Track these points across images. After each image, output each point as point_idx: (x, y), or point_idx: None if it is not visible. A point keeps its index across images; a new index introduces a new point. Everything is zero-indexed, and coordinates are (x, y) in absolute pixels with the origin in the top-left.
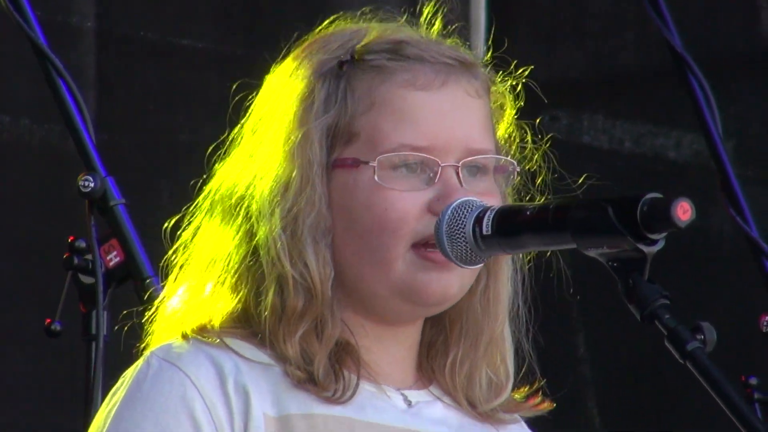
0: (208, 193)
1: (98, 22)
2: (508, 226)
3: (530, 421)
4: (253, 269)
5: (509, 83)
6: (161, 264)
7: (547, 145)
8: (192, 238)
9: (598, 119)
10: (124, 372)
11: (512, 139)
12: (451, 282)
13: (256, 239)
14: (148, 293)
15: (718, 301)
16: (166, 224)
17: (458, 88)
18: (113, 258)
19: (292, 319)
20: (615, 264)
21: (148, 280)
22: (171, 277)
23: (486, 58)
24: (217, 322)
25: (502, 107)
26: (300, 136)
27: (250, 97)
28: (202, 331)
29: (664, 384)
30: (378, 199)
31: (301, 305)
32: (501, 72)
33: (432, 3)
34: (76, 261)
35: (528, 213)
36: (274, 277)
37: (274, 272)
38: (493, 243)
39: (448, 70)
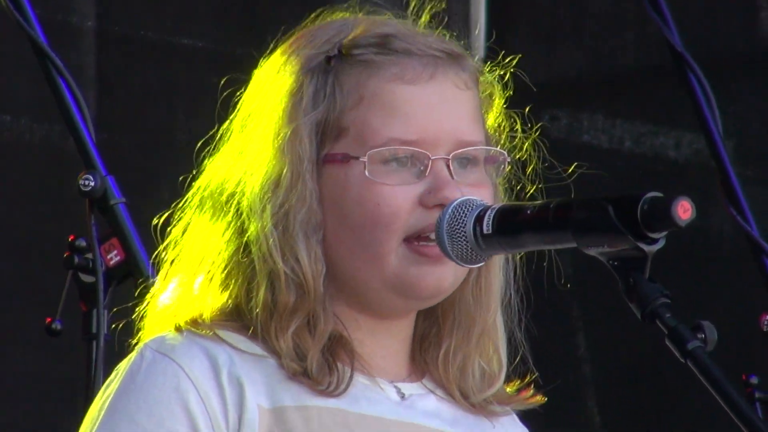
0: (198, 189)
1: (98, 21)
2: (508, 225)
3: (523, 416)
4: (243, 265)
5: (497, 73)
6: (152, 260)
7: (537, 133)
8: (182, 235)
9: (598, 119)
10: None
11: (502, 128)
12: (445, 275)
13: (247, 236)
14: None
15: (718, 300)
16: (155, 221)
17: (446, 81)
18: (113, 257)
19: (284, 315)
20: (615, 263)
21: (150, 280)
22: (161, 274)
23: (484, 65)
24: (208, 316)
25: (490, 97)
26: (289, 132)
27: (239, 92)
28: (195, 323)
29: (665, 383)
30: (369, 194)
31: (293, 301)
32: (489, 62)
33: None
34: (76, 260)
35: (528, 212)
36: (266, 273)
37: (265, 268)
38: (494, 242)
39: (436, 62)
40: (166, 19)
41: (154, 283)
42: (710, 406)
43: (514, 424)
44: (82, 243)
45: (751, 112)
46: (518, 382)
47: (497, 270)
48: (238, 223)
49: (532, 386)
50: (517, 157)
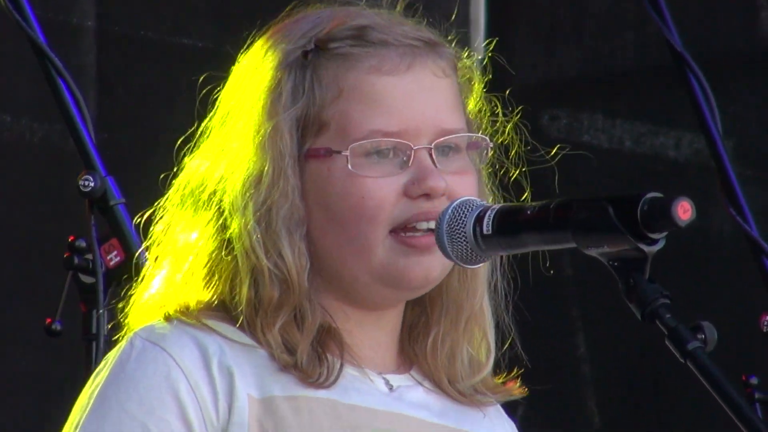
0: (179, 187)
1: (99, 21)
2: (508, 226)
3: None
4: (225, 262)
5: (476, 57)
6: (133, 261)
7: (518, 116)
8: (164, 233)
9: (597, 119)
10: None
11: (483, 113)
12: (433, 265)
13: (229, 232)
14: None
15: (718, 301)
16: (137, 219)
17: (424, 70)
18: (113, 257)
19: (269, 311)
20: (615, 263)
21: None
22: (143, 272)
23: (481, 61)
24: (195, 309)
25: (470, 81)
26: (270, 128)
27: (217, 90)
28: (185, 312)
29: (664, 383)
30: (353, 188)
31: (277, 296)
32: (468, 48)
33: None
34: (76, 261)
35: (528, 212)
36: (248, 269)
37: (248, 265)
38: (494, 242)
39: (413, 52)
40: (166, 19)
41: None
42: (710, 407)
43: (500, 415)
44: (82, 244)
45: (750, 112)
46: (505, 374)
47: None
48: (220, 220)
49: (518, 378)
50: (500, 141)
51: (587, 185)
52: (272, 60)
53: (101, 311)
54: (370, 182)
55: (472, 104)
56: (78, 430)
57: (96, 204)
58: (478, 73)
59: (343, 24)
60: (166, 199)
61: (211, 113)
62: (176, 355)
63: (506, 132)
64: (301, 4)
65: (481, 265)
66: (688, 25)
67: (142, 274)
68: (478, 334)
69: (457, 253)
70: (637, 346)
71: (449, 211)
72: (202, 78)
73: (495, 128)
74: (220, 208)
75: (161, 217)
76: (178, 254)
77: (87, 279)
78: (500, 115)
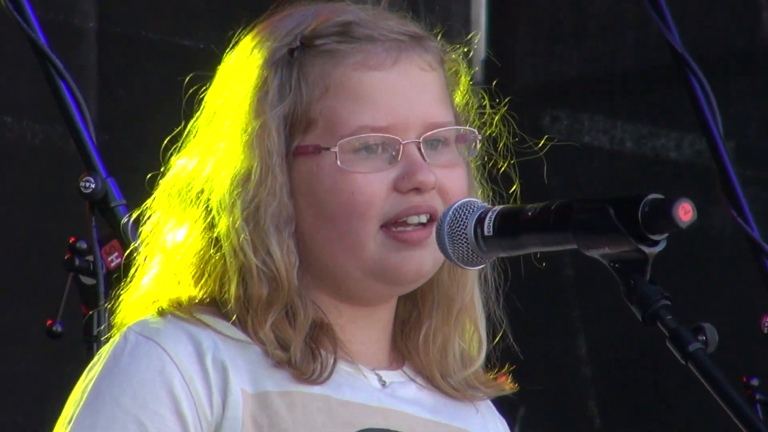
0: (166, 186)
1: (100, 22)
2: (509, 227)
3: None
4: (214, 260)
5: (461, 50)
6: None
7: (505, 108)
8: (152, 233)
9: (598, 120)
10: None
11: (470, 106)
12: (425, 259)
13: (217, 231)
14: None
15: (719, 302)
16: (124, 219)
17: (411, 64)
18: (114, 259)
19: (259, 309)
20: (616, 265)
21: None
22: (131, 272)
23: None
24: (187, 305)
25: (456, 74)
26: (257, 126)
27: (204, 89)
28: (178, 307)
29: (665, 385)
30: (343, 184)
31: (266, 294)
32: (462, 44)
33: None
34: (77, 262)
35: (529, 214)
36: (236, 267)
37: (236, 263)
38: (495, 244)
39: (399, 46)
40: (167, 19)
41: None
42: (710, 408)
43: (492, 411)
44: (83, 245)
45: (751, 112)
46: (496, 370)
47: None
48: (208, 219)
49: (510, 374)
50: (488, 133)
51: (588, 186)
52: (258, 58)
53: (100, 311)
54: (360, 178)
55: (459, 97)
56: (72, 424)
57: (97, 205)
58: (464, 65)
59: (328, 20)
60: (154, 199)
61: (198, 113)
62: (170, 350)
63: (494, 124)
64: (287, 1)
65: (481, 267)
66: (689, 25)
67: (131, 274)
68: (469, 327)
69: (458, 254)
70: (637, 348)
71: (450, 212)
72: (188, 78)
73: (483, 120)
74: (207, 206)
75: (149, 217)
76: (167, 253)
77: (88, 280)
78: (488, 107)
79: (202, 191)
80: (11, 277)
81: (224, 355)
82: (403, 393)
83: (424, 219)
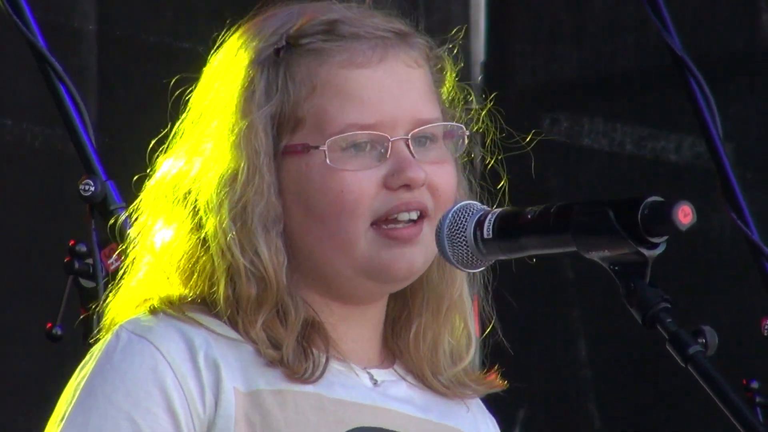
0: (153, 187)
1: (100, 24)
2: (509, 229)
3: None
4: (202, 261)
5: (457, 43)
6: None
7: (491, 103)
8: (139, 234)
9: (598, 122)
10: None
11: (456, 102)
12: (416, 256)
13: (205, 231)
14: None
15: (719, 305)
16: (111, 221)
17: (397, 61)
18: (114, 262)
19: (249, 309)
20: (616, 267)
21: None
22: (119, 274)
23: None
24: (178, 304)
25: (442, 71)
26: (244, 126)
27: (189, 90)
28: (170, 305)
29: (665, 387)
30: (332, 182)
31: (255, 294)
32: (456, 42)
33: None
34: (76, 265)
35: (529, 216)
36: (224, 268)
37: (223, 263)
38: (494, 246)
39: (385, 43)
40: (167, 21)
41: None
42: (711, 410)
43: (482, 410)
44: (83, 248)
45: (751, 115)
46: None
47: None
48: (196, 219)
49: (498, 372)
50: (475, 129)
51: (588, 188)
52: (244, 58)
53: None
54: (349, 176)
55: (445, 94)
56: (64, 422)
57: (96, 208)
58: (450, 61)
59: (314, 19)
60: (141, 200)
61: (184, 114)
62: (163, 348)
63: (481, 120)
64: (271, 2)
65: (481, 269)
66: (688, 27)
67: (119, 276)
68: (458, 324)
69: (458, 257)
70: (637, 350)
71: (450, 215)
72: (174, 80)
73: (469, 116)
74: (195, 207)
75: (136, 219)
76: (155, 254)
77: (87, 283)
78: (474, 102)
79: (189, 192)
80: (11, 279)
81: (216, 353)
82: (395, 391)
83: (414, 216)
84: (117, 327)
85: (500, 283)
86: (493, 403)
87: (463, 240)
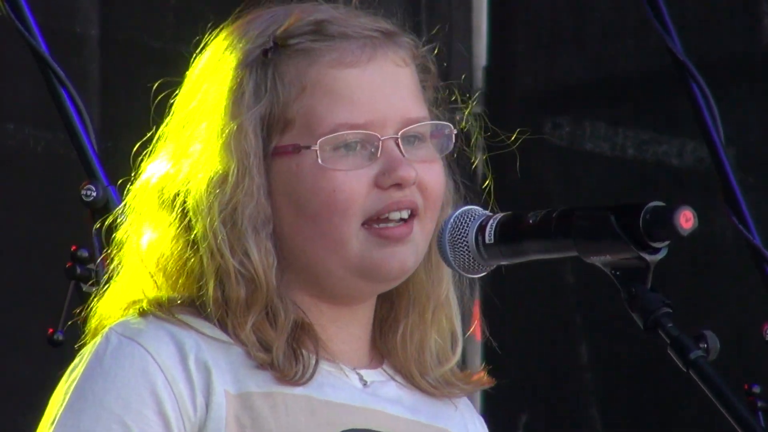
0: (139, 191)
1: (102, 28)
2: (510, 234)
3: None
4: (191, 263)
5: (429, 45)
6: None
7: (474, 103)
8: (127, 237)
9: (600, 126)
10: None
11: (440, 101)
12: (407, 255)
13: (194, 233)
14: None
15: (720, 309)
16: (97, 225)
17: (386, 60)
18: None
19: (238, 311)
20: (617, 272)
21: None
22: (105, 278)
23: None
24: (167, 306)
25: (426, 70)
26: (233, 128)
27: (173, 95)
28: (159, 307)
29: (667, 392)
30: (324, 182)
31: (245, 296)
32: (424, 39)
33: None
34: (78, 270)
35: (531, 221)
36: (214, 270)
37: (213, 265)
38: (496, 251)
39: (374, 43)
40: (169, 26)
41: None
42: (712, 415)
43: (470, 410)
44: (84, 253)
45: (752, 119)
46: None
47: None
48: (184, 222)
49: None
50: (460, 128)
51: (590, 193)
52: (231, 60)
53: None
54: (341, 175)
55: (430, 93)
56: (55, 425)
57: (98, 213)
58: (433, 60)
59: (301, 20)
60: (127, 204)
61: (168, 117)
62: (153, 350)
63: (464, 119)
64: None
65: (483, 274)
66: (690, 32)
67: (104, 279)
68: (445, 324)
69: (459, 262)
70: (639, 355)
71: (451, 220)
72: (157, 84)
73: (454, 116)
74: (184, 209)
75: (122, 222)
76: (144, 257)
77: (89, 289)
78: (459, 101)
79: (177, 194)
80: (13, 284)
81: (207, 355)
82: (384, 392)
83: (405, 214)
84: (106, 330)
85: (502, 288)
86: (495, 407)
87: (465, 245)
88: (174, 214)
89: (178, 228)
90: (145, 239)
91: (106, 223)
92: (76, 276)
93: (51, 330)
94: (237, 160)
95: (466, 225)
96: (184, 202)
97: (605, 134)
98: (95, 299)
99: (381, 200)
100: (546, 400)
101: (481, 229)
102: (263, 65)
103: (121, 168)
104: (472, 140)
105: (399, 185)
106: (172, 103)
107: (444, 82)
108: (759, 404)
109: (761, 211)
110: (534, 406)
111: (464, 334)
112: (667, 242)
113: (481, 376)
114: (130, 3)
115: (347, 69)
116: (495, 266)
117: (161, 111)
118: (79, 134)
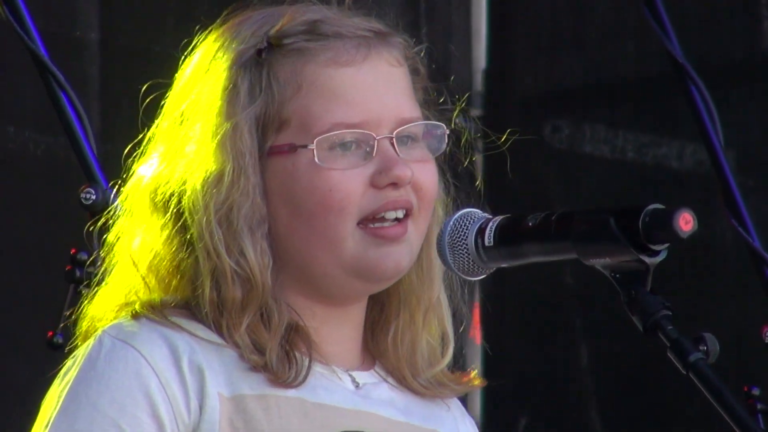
0: (131, 192)
1: (102, 33)
2: (510, 237)
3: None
4: (186, 264)
5: (418, 47)
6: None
7: (463, 103)
8: (120, 239)
9: (600, 129)
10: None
11: (430, 102)
12: (402, 254)
13: (189, 234)
14: None
15: (720, 312)
16: (88, 227)
17: (380, 60)
18: None
19: (233, 312)
20: (617, 275)
21: None
22: (96, 280)
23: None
24: (160, 309)
25: (416, 72)
26: (229, 128)
27: (164, 96)
28: (152, 311)
29: (667, 395)
30: (320, 182)
31: (240, 296)
32: (414, 40)
33: None
34: (78, 273)
35: (530, 224)
36: (209, 270)
37: (209, 265)
38: (496, 254)
39: (368, 42)
40: (170, 31)
41: None
42: (712, 417)
43: (461, 410)
44: (84, 256)
45: (752, 122)
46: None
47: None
48: (179, 222)
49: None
50: (452, 129)
51: (589, 195)
52: (225, 61)
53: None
54: (337, 175)
55: (420, 94)
56: (49, 428)
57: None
58: (422, 61)
59: (294, 20)
60: (118, 205)
61: (159, 119)
62: (146, 353)
63: (452, 121)
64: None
65: (482, 276)
66: (689, 34)
67: (95, 280)
68: (436, 326)
69: (458, 265)
70: (639, 358)
71: (451, 223)
72: (146, 85)
73: (444, 116)
74: (179, 210)
75: (114, 223)
76: (137, 258)
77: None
78: (448, 102)
79: (172, 194)
80: (13, 286)
81: (200, 358)
82: (377, 394)
83: (400, 214)
84: (99, 332)
85: (502, 290)
86: (495, 410)
87: (464, 248)
88: (168, 214)
89: (172, 229)
90: (138, 241)
91: (98, 224)
92: (76, 279)
93: (50, 333)
94: (232, 159)
95: (465, 228)
96: (179, 202)
97: (605, 136)
98: (85, 301)
99: (377, 200)
100: (546, 402)
101: (481, 231)
102: (257, 65)
103: (120, 171)
104: (462, 140)
105: (395, 185)
106: (163, 105)
107: (443, 83)
108: (759, 406)
109: (761, 213)
110: (534, 409)
111: (464, 337)
112: (666, 245)
113: (472, 377)
114: (130, 7)
115: (343, 68)
116: (495, 269)
117: (153, 113)
118: (78, 138)
